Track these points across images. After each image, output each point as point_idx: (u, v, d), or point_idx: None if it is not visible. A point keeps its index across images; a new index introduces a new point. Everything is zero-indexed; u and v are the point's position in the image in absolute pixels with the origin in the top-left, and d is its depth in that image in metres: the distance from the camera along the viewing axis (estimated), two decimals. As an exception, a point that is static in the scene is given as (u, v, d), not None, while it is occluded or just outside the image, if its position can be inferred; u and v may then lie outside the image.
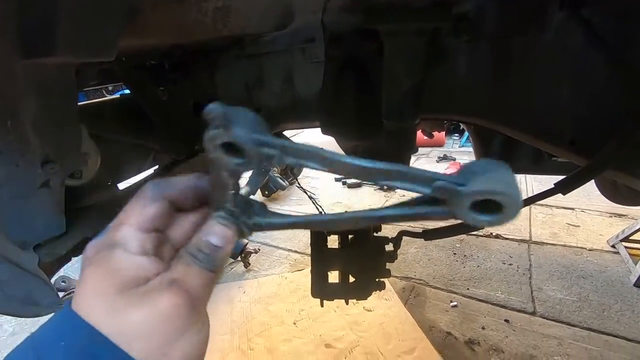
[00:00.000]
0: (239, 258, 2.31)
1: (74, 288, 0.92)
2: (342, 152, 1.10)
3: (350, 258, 1.02)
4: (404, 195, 3.38)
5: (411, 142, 0.77)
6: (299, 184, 1.01)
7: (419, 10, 0.60)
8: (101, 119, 0.99)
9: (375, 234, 1.05)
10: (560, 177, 0.74)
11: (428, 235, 0.91)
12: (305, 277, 2.20)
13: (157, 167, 1.26)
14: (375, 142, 0.88)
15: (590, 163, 0.66)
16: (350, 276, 1.04)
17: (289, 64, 0.90)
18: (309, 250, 2.50)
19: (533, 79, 0.73)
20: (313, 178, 4.05)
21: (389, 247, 1.04)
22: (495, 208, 0.23)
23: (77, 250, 0.80)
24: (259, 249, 2.46)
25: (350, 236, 1.04)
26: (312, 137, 4.55)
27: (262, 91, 0.94)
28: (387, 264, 1.03)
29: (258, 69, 0.92)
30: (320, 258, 1.01)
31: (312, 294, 1.07)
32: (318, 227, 0.33)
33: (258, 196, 3.39)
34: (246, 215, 0.32)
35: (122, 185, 1.08)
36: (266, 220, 0.33)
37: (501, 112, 0.77)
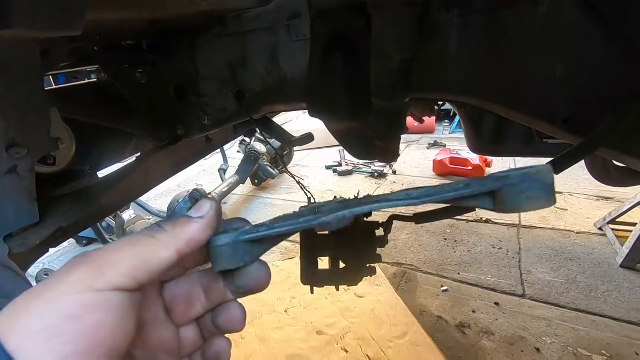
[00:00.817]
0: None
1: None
2: (330, 133, 1.07)
3: (341, 244, 0.99)
4: (395, 182, 3.38)
5: (401, 121, 0.74)
6: (288, 171, 0.98)
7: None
8: (77, 102, 0.94)
9: (365, 219, 1.03)
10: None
11: (419, 218, 0.89)
12: (296, 265, 2.18)
13: (139, 154, 1.21)
14: (365, 122, 0.85)
15: (584, 140, 0.64)
16: (340, 262, 1.02)
17: (274, 43, 0.85)
18: (299, 238, 2.50)
19: (526, 55, 0.70)
20: (303, 166, 4.02)
21: (380, 232, 1.02)
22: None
23: (53, 240, 0.76)
24: (250, 238, 2.44)
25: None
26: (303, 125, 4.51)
27: (247, 72, 0.90)
28: (378, 249, 1.01)
29: (241, 49, 0.88)
30: (310, 244, 0.98)
31: (302, 281, 1.04)
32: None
33: (248, 185, 3.35)
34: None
35: (103, 174, 1.04)
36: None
37: (493, 89, 0.75)
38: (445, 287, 1.88)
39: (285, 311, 1.78)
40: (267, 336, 1.63)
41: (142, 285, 0.25)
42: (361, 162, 3.77)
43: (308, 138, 1.21)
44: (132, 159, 1.20)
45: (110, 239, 2.05)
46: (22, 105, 0.58)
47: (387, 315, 1.69)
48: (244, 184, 3.13)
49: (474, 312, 1.71)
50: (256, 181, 3.36)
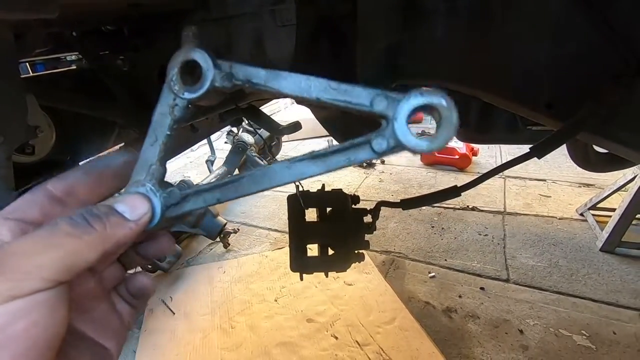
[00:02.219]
0: (218, 239, 2.27)
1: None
2: (317, 121, 1.06)
3: (329, 231, 1.00)
4: (383, 172, 3.40)
5: (388, 108, 0.74)
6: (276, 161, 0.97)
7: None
8: (55, 90, 0.91)
9: (353, 206, 1.04)
10: (551, 155, 0.73)
11: (405, 204, 0.90)
12: (285, 255, 2.19)
13: (122, 144, 1.19)
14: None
15: (565, 124, 0.65)
16: (329, 249, 1.02)
17: (258, 28, 0.84)
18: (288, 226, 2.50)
19: (511, 40, 0.71)
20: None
21: (368, 219, 1.03)
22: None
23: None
24: (238, 229, 2.43)
25: (328, 209, 1.02)
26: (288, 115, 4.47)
27: (232, 58, 0.88)
28: (366, 235, 1.02)
29: (226, 34, 0.86)
30: (299, 231, 0.98)
31: (291, 268, 1.05)
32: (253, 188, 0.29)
33: (236, 176, 3.32)
34: (164, 197, 0.29)
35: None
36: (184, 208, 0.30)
37: (478, 75, 0.75)
38: (433, 274, 1.92)
39: (275, 300, 1.79)
40: (257, 325, 1.64)
41: (66, 282, 0.24)
42: (349, 152, 3.77)
43: (296, 127, 1.20)
44: (115, 148, 1.18)
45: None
46: (-4, 91, 0.56)
47: (376, 301, 1.72)
48: (232, 174, 3.10)
49: (460, 297, 1.75)
50: (244, 172, 3.33)
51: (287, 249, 2.23)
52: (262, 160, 3.34)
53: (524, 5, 0.69)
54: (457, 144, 3.30)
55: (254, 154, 3.28)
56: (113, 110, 0.97)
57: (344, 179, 3.30)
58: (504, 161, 3.30)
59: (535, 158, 0.69)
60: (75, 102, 0.94)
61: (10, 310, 0.21)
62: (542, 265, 1.93)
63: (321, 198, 1.01)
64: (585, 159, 1.37)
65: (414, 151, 0.25)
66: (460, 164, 3.22)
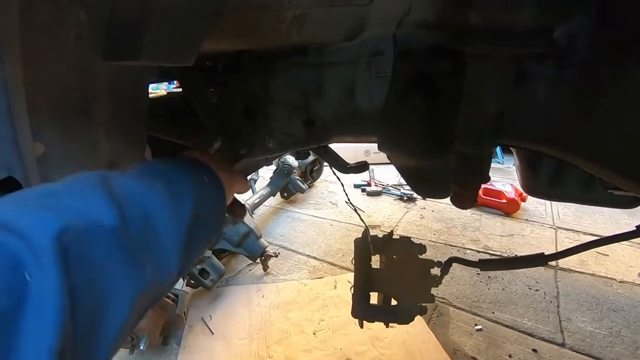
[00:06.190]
0: (258, 260, 2.28)
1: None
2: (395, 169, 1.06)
3: (395, 280, 0.98)
4: (424, 208, 3.33)
5: (485, 169, 0.73)
6: (351, 202, 0.97)
7: (519, 34, 0.56)
8: (153, 118, 0.97)
9: (420, 256, 1.02)
10: (608, 208, 0.69)
11: (484, 265, 0.87)
12: (324, 286, 2.17)
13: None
14: (438, 163, 0.84)
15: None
16: (392, 299, 1.00)
17: (352, 76, 0.86)
18: (328, 257, 2.49)
19: (621, 112, 0.68)
20: (331, 182, 4.02)
21: (434, 271, 1.00)
22: None
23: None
24: (279, 253, 2.44)
25: (394, 256, 1.00)
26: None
27: (320, 101, 0.91)
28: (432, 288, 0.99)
29: (318, 79, 0.89)
30: (364, 277, 0.97)
31: (352, 314, 1.04)
32: None
33: (277, 198, 3.37)
34: None
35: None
36: None
37: (581, 143, 0.72)
38: (480, 326, 1.82)
39: (314, 333, 1.76)
40: (295, 358, 1.61)
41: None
42: (391, 183, 3.74)
43: (364, 167, 1.21)
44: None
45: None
46: (127, 128, 0.61)
47: (419, 349, 1.64)
48: (274, 196, 3.15)
49: (510, 356, 1.64)
50: (285, 194, 3.37)
51: (326, 279, 2.21)
52: (303, 184, 3.38)
53: (636, 80, 0.66)
54: (505, 188, 3.19)
55: (296, 177, 3.33)
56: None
57: (384, 211, 3.26)
58: (554, 210, 3.15)
59: (589, 208, 0.65)
60: (166, 130, 1.00)
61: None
62: (601, 333, 1.78)
63: (388, 244, 1.00)
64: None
65: None
66: (508, 209, 3.10)
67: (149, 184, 0.37)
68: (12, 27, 0.38)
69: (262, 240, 2.28)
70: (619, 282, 2.19)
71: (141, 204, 0.33)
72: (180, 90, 1.09)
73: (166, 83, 2.80)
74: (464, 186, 0.74)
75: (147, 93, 0.62)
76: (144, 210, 0.33)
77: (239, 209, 0.57)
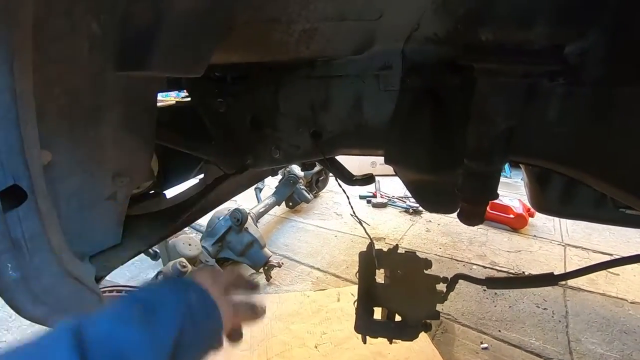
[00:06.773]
0: (261, 270, 2.27)
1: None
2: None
3: (400, 296, 0.96)
4: (430, 221, 3.30)
5: (494, 187, 0.71)
6: (356, 215, 0.97)
7: (530, 51, 0.55)
8: (160, 128, 0.98)
9: (425, 271, 1.00)
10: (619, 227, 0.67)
11: (491, 283, 0.85)
12: (327, 298, 2.14)
13: (202, 176, 1.24)
14: (444, 178, 0.83)
15: None
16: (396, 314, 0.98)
17: (360, 90, 0.86)
18: (331, 269, 2.46)
19: (636, 133, 0.67)
20: (337, 193, 4.00)
21: (440, 287, 0.98)
22: None
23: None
24: (282, 263, 2.42)
25: (399, 271, 0.98)
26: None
27: (328, 114, 0.91)
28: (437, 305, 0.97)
29: (326, 91, 0.89)
30: (368, 292, 0.95)
31: (355, 329, 1.02)
32: None
33: (282, 207, 3.37)
34: None
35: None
36: None
37: (593, 162, 0.71)
38: (485, 345, 1.77)
39: (316, 347, 1.73)
40: (296, 372, 1.58)
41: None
42: (397, 195, 3.72)
43: (369, 179, 1.20)
44: (196, 180, 1.22)
45: (154, 250, 2.11)
46: (136, 137, 0.61)
47: (423, 367, 1.61)
48: (279, 205, 3.14)
49: (516, 377, 1.60)
50: (290, 204, 3.37)
51: (329, 292, 2.18)
52: (309, 194, 3.37)
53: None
54: (512, 203, 3.15)
55: (302, 187, 3.32)
56: (205, 150, 1.02)
57: (389, 223, 3.23)
58: (563, 227, 3.10)
59: (599, 225, 0.63)
60: (175, 139, 1.00)
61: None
62: (612, 356, 1.72)
63: (394, 259, 0.98)
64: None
65: None
66: (515, 224, 3.05)
67: (126, 319, 0.39)
68: (25, 38, 0.38)
69: (265, 249, 2.27)
70: (631, 302, 2.13)
71: (116, 344, 0.36)
72: (188, 99, 1.10)
73: (175, 91, 2.83)
74: (472, 203, 0.72)
75: (156, 102, 0.62)
76: (119, 350, 0.35)
77: (235, 335, 0.56)
